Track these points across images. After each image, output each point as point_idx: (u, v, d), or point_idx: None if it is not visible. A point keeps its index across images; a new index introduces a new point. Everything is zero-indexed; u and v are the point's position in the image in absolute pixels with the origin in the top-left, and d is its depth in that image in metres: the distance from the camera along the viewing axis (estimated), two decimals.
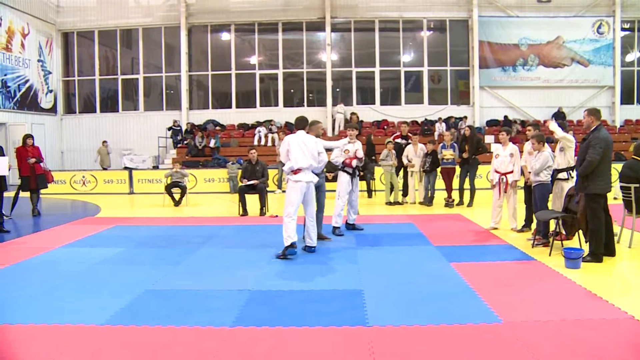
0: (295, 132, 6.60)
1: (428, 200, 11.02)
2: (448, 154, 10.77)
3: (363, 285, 5.00)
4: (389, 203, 11.37)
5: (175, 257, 6.39)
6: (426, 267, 5.78)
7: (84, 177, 16.02)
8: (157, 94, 21.30)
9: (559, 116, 18.41)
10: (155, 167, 18.71)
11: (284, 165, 6.60)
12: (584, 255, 5.69)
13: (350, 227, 8.16)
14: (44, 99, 19.87)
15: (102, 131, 20.55)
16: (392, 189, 11.48)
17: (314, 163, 6.44)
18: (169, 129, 19.63)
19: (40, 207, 10.84)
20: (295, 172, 6.34)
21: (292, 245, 6.20)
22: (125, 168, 17.94)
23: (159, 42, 20.74)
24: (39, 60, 19.50)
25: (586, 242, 6.02)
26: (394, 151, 11.51)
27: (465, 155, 10.59)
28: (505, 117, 19.72)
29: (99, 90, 21.02)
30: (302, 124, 6.65)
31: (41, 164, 10.45)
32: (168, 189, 11.99)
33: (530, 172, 7.19)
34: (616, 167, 8.31)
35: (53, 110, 20.50)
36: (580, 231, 6.23)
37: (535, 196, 7.07)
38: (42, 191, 10.87)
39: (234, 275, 5.51)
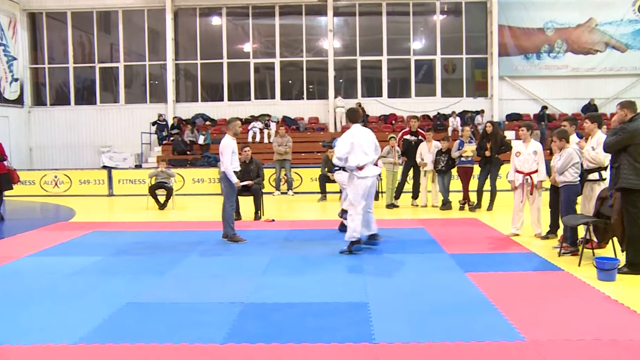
0: (351, 127, 6.93)
1: (444, 205, 10.96)
2: (469, 149, 10.69)
3: (369, 298, 4.99)
4: (389, 206, 11.38)
5: (160, 266, 6.39)
6: (439, 277, 5.78)
7: (56, 177, 16.01)
8: (139, 85, 21.33)
9: (590, 109, 18.32)
10: (138, 166, 18.73)
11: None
12: (619, 266, 5.65)
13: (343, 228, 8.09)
14: (7, 89, 19.67)
15: (78, 126, 20.56)
16: (397, 189, 11.50)
17: (375, 156, 7.00)
18: (154, 123, 19.63)
19: (4, 211, 10.84)
20: (360, 168, 6.75)
21: (359, 241, 6.81)
22: (104, 167, 17.95)
23: (142, 27, 20.73)
24: (0, 44, 19.26)
25: (622, 250, 5.97)
26: (397, 147, 11.47)
27: (487, 153, 10.51)
28: (544, 107, 19.38)
29: (74, 79, 21.00)
30: (356, 116, 7.06)
31: (5, 163, 10.42)
32: (152, 190, 11.99)
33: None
34: None
35: (19, 101, 20.37)
36: (615, 238, 6.18)
37: (562, 199, 7.03)
38: (6, 193, 10.87)
39: (225, 286, 5.51)
